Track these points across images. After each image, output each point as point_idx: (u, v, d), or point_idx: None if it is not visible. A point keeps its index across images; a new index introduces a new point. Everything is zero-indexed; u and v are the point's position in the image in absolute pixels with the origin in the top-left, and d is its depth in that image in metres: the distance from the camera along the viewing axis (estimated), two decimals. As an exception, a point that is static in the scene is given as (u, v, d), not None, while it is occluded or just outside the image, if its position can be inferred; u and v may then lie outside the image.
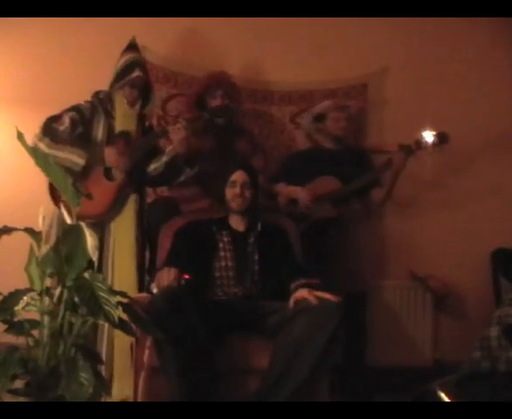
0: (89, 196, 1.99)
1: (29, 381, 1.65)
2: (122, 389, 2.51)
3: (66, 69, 3.26)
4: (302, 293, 2.20)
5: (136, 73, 2.76)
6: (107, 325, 2.15)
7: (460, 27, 3.41)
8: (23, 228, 1.72)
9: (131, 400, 2.31)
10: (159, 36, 3.30)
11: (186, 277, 2.19)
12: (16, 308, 1.64)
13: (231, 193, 2.57)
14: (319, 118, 3.20)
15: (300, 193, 3.02)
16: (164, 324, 1.99)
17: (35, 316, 1.72)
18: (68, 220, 1.80)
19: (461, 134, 3.11)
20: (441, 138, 2.93)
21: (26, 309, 1.67)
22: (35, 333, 1.70)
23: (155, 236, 2.75)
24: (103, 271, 2.65)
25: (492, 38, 3.44)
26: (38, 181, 2.32)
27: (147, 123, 2.94)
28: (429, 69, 3.48)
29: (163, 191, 3.19)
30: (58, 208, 2.47)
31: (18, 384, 1.64)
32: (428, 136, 2.93)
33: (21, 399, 1.61)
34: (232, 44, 3.39)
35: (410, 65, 3.47)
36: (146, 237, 2.83)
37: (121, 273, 2.69)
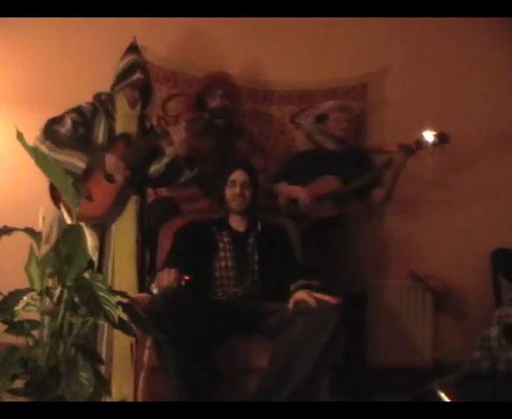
0: (90, 198, 1.99)
1: (29, 381, 1.65)
2: (122, 389, 2.51)
3: (66, 69, 3.26)
4: (302, 295, 2.19)
5: (137, 75, 2.76)
6: (106, 325, 2.15)
7: (460, 27, 3.41)
8: (23, 228, 1.72)
9: (131, 400, 2.31)
10: (159, 36, 3.30)
11: (186, 278, 2.19)
12: (16, 308, 1.64)
13: (230, 192, 2.56)
14: (321, 118, 3.20)
15: (301, 192, 3.02)
16: (164, 324, 1.99)
17: (35, 316, 1.72)
18: (68, 220, 1.81)
19: (461, 134, 3.11)
20: (442, 138, 2.93)
21: (26, 309, 1.67)
22: (35, 333, 1.70)
23: (155, 236, 2.75)
24: (103, 273, 2.65)
25: (492, 38, 3.44)
26: (38, 181, 2.31)
27: (147, 124, 2.94)
28: (429, 69, 3.48)
29: (163, 191, 3.18)
30: (59, 208, 2.47)
31: (18, 384, 1.64)
32: (429, 136, 2.94)
33: (21, 399, 1.61)
34: (232, 44, 3.39)
35: (410, 65, 3.47)
36: (146, 239, 2.83)
37: (122, 275, 2.69)
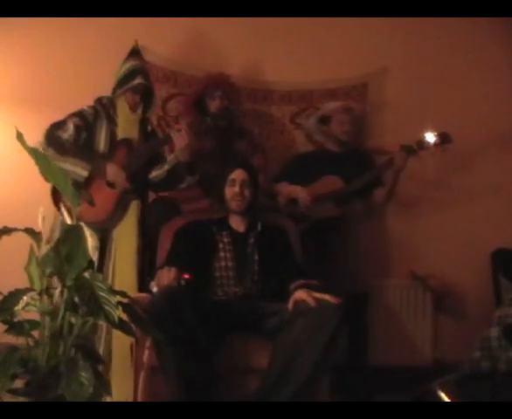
0: (91, 203, 2.00)
1: (29, 381, 1.65)
2: (122, 389, 2.51)
3: (67, 69, 3.26)
4: (301, 294, 2.19)
5: (138, 80, 2.77)
6: (106, 325, 2.15)
7: (460, 27, 3.41)
8: (23, 228, 1.72)
9: (131, 400, 2.31)
10: (159, 36, 3.30)
11: (186, 276, 2.19)
12: (16, 308, 1.64)
13: (230, 192, 2.56)
14: (324, 120, 3.20)
15: (300, 192, 3.02)
16: (164, 324, 1.99)
17: (35, 316, 1.72)
18: (68, 220, 1.81)
19: (461, 134, 3.11)
20: (443, 138, 2.93)
21: (26, 309, 1.67)
22: (35, 333, 1.70)
23: (155, 236, 2.75)
24: (104, 274, 2.65)
25: (492, 38, 3.44)
26: (38, 181, 2.29)
27: (149, 128, 2.95)
28: (429, 69, 3.48)
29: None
30: (59, 209, 2.47)
31: (18, 384, 1.64)
32: (430, 136, 2.93)
33: (21, 399, 1.61)
34: (232, 44, 3.39)
35: (410, 65, 3.47)
36: (147, 243, 2.83)
37: (122, 277, 2.70)
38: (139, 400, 2.20)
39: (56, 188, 2.52)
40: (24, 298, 1.66)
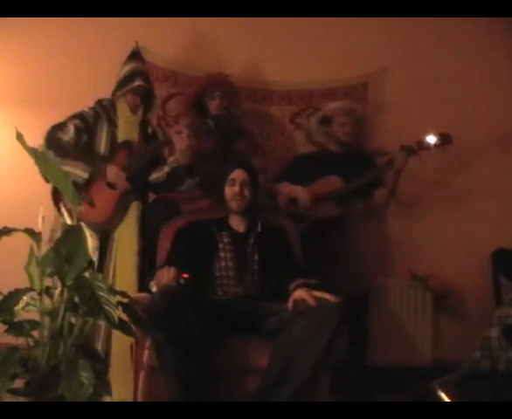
0: (92, 204, 2.00)
1: (29, 381, 1.65)
2: (122, 389, 2.50)
3: (66, 69, 3.26)
4: (301, 294, 2.19)
5: (138, 82, 2.79)
6: (106, 325, 2.15)
7: (460, 27, 3.41)
8: (23, 228, 1.72)
9: (131, 400, 2.31)
10: (159, 36, 3.30)
11: (185, 276, 2.20)
12: (16, 308, 1.64)
13: (230, 191, 2.56)
14: (325, 121, 3.19)
15: (301, 192, 3.02)
16: (163, 323, 1.99)
17: (35, 316, 1.72)
18: (69, 221, 1.80)
19: (462, 135, 3.11)
20: (444, 139, 2.92)
21: (26, 309, 1.67)
22: (35, 333, 1.70)
23: (156, 236, 2.75)
24: (104, 274, 2.65)
25: (492, 38, 3.44)
26: (38, 181, 2.31)
27: (149, 129, 2.95)
28: (429, 69, 3.48)
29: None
30: (59, 209, 2.47)
31: (18, 384, 1.64)
32: (431, 137, 2.93)
33: (21, 399, 1.61)
34: (232, 44, 3.40)
35: (410, 65, 3.47)
36: (148, 245, 2.83)
37: (122, 277, 2.70)
38: (139, 400, 2.20)
39: (56, 189, 2.53)
40: (24, 298, 1.66)
